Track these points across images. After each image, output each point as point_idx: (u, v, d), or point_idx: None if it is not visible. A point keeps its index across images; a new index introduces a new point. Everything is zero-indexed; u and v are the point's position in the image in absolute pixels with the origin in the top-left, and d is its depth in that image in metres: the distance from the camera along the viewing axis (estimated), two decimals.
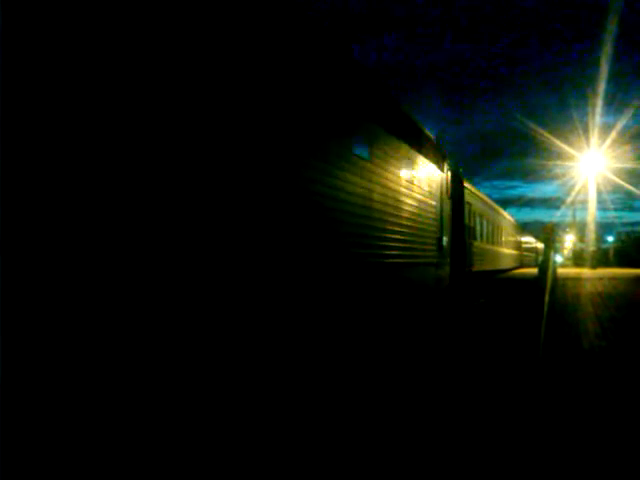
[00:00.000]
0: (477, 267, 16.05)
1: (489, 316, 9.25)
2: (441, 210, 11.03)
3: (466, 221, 14.22)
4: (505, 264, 25.72)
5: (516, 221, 30.98)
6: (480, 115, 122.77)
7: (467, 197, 14.63)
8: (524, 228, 39.39)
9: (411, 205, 8.98)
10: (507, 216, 27.31)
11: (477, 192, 17.22)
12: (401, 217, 8.37)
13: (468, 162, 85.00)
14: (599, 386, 4.29)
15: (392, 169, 7.90)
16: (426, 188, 10.22)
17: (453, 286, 12.02)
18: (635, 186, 38.85)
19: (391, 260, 7.79)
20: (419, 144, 9.64)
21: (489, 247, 20.01)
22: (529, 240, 40.55)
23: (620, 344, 6.11)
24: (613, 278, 20.63)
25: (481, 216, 17.75)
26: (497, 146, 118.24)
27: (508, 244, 27.21)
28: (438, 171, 11.27)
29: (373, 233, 7.10)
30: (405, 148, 8.71)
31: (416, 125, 9.71)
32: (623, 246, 40.23)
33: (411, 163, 9.04)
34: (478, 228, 16.88)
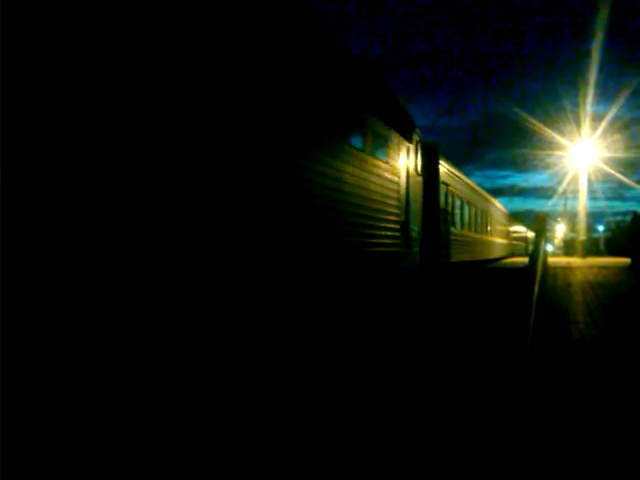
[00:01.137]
0: (457, 257, 14.11)
1: (474, 307, 8.77)
2: (407, 190, 9.10)
3: (442, 205, 12.29)
4: (493, 254, 24.37)
5: (507, 210, 30.92)
6: (471, 105, 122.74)
7: (444, 177, 12.68)
8: (515, 217, 39.46)
9: (351, 177, 6.64)
10: (496, 203, 26.10)
11: (458, 173, 15.11)
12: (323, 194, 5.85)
13: (460, 151, 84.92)
14: (589, 376, 4.23)
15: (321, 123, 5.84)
16: (383, 159, 7.99)
17: (423, 279, 10.21)
18: (626, 175, 39.07)
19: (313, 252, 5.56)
20: (368, 99, 7.42)
21: (473, 235, 18.13)
22: (520, 229, 40.62)
23: (610, 332, 6.12)
24: (603, 267, 20.82)
25: (463, 200, 15.78)
26: (489, 136, 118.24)
27: (497, 233, 25.91)
28: (403, 141, 9.09)
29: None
30: (343, 98, 6.50)
31: (364, 68, 7.27)
32: (613, 235, 40.47)
33: (352, 122, 6.85)
34: (458, 213, 14.96)
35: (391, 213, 8.37)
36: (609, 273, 16.93)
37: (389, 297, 7.83)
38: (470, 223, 17.56)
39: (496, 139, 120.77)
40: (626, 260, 22.04)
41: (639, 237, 19.08)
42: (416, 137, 10.20)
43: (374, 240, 7.59)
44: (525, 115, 40.23)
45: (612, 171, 38.11)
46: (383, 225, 7.95)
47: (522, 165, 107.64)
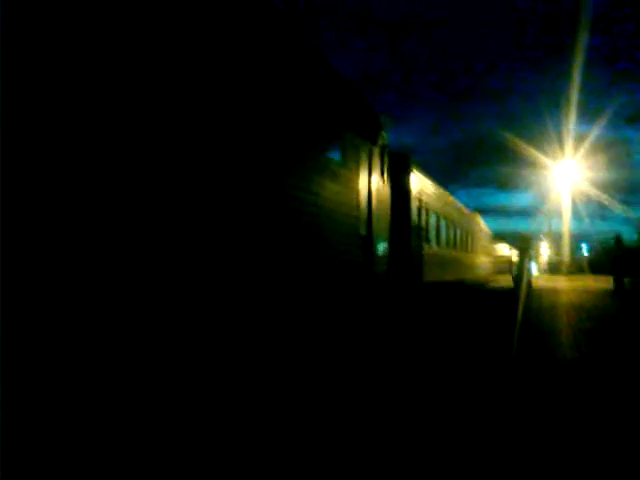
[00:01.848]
0: (432, 277, 12.69)
1: (450, 329, 8.01)
2: (369, 200, 7.72)
3: (415, 219, 10.94)
4: (475, 273, 23.19)
5: (491, 229, 30.82)
6: (456, 123, 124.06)
7: (417, 189, 11.35)
8: (500, 237, 39.57)
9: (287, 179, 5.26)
10: (479, 222, 25.28)
11: (435, 186, 13.83)
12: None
13: (445, 170, 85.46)
14: (570, 400, 4.16)
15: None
16: (332, 159, 6.50)
17: (387, 301, 8.72)
18: (609, 195, 39.50)
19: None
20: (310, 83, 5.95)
21: (452, 253, 16.72)
22: (504, 249, 40.75)
23: (592, 356, 6.10)
24: (586, 290, 20.88)
25: (440, 216, 14.46)
26: (473, 155, 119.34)
27: (479, 252, 24.80)
28: (362, 143, 7.62)
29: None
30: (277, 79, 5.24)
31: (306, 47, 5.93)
32: (597, 255, 40.80)
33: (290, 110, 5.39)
34: (434, 229, 13.65)
35: (348, 228, 6.90)
36: (592, 297, 16.87)
37: (339, 322, 6.45)
38: (449, 240, 16.16)
39: (480, 158, 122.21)
40: (608, 278, 22.20)
41: (621, 260, 19.16)
42: (381, 140, 8.67)
43: (319, 258, 5.99)
44: (510, 135, 40.64)
45: (596, 191, 38.59)
46: (331, 241, 6.32)
47: (506, 184, 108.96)
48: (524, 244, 26.82)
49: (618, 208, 45.84)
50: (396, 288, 9.28)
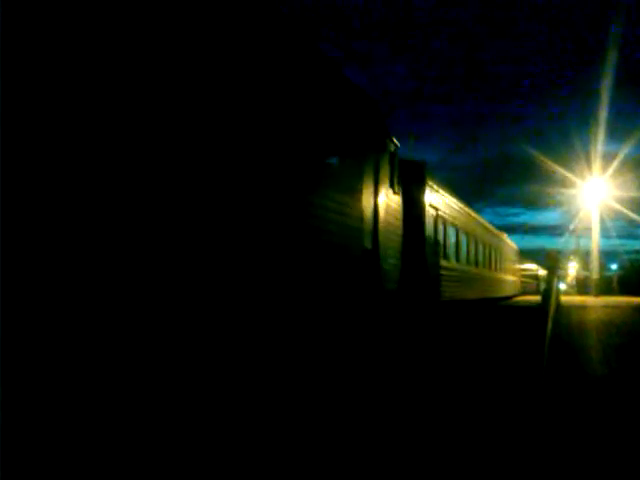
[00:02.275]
0: (452, 295, 11.98)
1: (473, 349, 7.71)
2: (375, 211, 6.98)
3: (430, 233, 10.20)
4: (501, 291, 22.57)
5: (517, 246, 30.48)
6: (482, 142, 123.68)
7: (433, 201, 10.69)
8: (527, 255, 39.10)
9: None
10: (505, 239, 24.80)
11: (455, 199, 13.13)
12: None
13: (470, 188, 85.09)
14: (599, 414, 4.09)
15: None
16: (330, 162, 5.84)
17: (398, 322, 7.94)
18: (638, 214, 38.85)
19: None
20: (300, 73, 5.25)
21: (474, 270, 15.97)
22: (531, 267, 40.21)
23: (622, 371, 6.00)
24: (616, 307, 20.43)
25: (461, 230, 13.77)
26: (499, 173, 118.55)
27: (506, 269, 24.25)
28: (367, 148, 6.93)
29: None
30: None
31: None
32: (626, 274, 39.94)
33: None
34: (453, 244, 12.90)
35: (341, 237, 5.95)
36: (622, 313, 16.61)
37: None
38: (471, 257, 15.43)
39: (507, 176, 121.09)
40: (638, 299, 21.77)
41: None
42: (391, 146, 8.04)
43: (301, 273, 5.13)
44: (536, 153, 40.32)
45: (624, 209, 37.96)
46: (321, 254, 5.46)
47: (533, 202, 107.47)
48: (552, 262, 26.44)
49: None
50: (409, 307, 8.55)
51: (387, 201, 7.63)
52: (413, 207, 9.31)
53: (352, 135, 6.51)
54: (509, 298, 25.15)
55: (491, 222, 23.23)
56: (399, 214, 8.32)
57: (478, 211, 19.63)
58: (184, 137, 3.60)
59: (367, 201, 6.81)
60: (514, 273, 27.92)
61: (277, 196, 4.74)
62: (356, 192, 6.52)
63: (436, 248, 10.76)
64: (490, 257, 19.64)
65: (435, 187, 11.03)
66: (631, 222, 40.95)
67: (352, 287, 6.31)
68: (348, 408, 4.11)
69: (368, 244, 6.79)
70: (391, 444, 3.24)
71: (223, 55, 4.12)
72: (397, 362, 6.40)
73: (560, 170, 36.23)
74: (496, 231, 21.86)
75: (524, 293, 32.38)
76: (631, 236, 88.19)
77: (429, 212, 10.28)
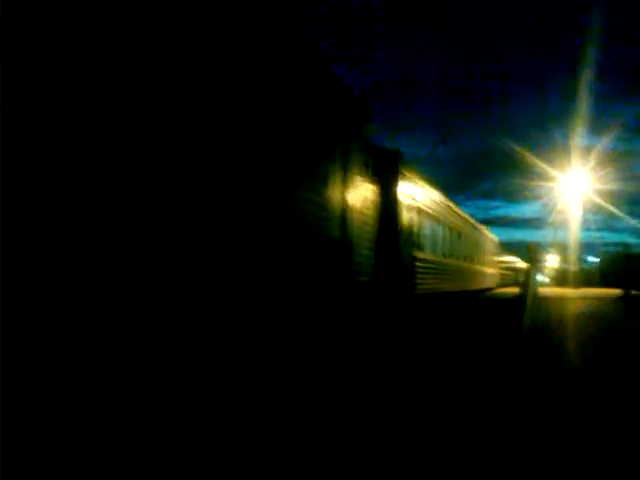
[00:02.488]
0: (429, 287, 11.66)
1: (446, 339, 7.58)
2: (344, 199, 6.58)
3: (406, 224, 9.84)
4: (481, 283, 22.36)
5: (498, 239, 30.53)
6: (464, 135, 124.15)
7: (409, 191, 10.32)
8: (507, 247, 39.25)
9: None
10: (485, 231, 24.64)
11: (433, 190, 12.80)
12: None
13: (452, 182, 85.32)
14: (575, 411, 4.01)
15: None
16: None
17: (370, 314, 7.65)
18: (617, 207, 39.22)
19: None
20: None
21: (453, 262, 15.65)
22: (511, 259, 40.41)
23: (599, 365, 5.94)
24: (595, 298, 20.56)
25: (439, 222, 13.51)
26: (481, 166, 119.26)
27: (485, 262, 24.04)
28: (340, 135, 6.56)
29: None
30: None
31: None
32: (605, 266, 40.33)
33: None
34: (431, 236, 12.58)
35: (303, 224, 5.51)
36: (600, 304, 16.72)
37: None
38: (450, 249, 15.16)
39: (488, 170, 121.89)
40: (617, 291, 21.95)
41: (629, 269, 19.08)
42: (365, 135, 7.72)
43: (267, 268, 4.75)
44: (517, 146, 40.52)
45: (603, 202, 38.31)
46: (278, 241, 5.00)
47: (514, 196, 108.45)
48: (531, 254, 26.64)
49: (626, 219, 45.50)
50: (382, 299, 8.25)
51: (360, 190, 7.29)
52: (388, 197, 8.97)
53: (322, 120, 6.14)
54: (489, 290, 25.17)
55: (472, 215, 23.11)
56: (373, 204, 7.97)
57: (459, 204, 19.41)
58: (163, 127, 3.56)
59: (338, 190, 6.46)
60: (494, 265, 27.83)
61: (238, 182, 4.40)
62: (326, 180, 6.16)
63: (411, 239, 10.38)
64: (469, 249, 19.27)
65: (411, 177, 10.62)
66: (610, 215, 41.38)
67: (321, 278, 5.99)
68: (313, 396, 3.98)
69: (339, 234, 6.44)
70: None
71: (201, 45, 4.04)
72: (367, 354, 6.21)
73: (540, 164, 36.41)
74: (476, 223, 21.57)
75: (504, 285, 32.50)
76: (610, 229, 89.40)
77: (404, 202, 9.90)
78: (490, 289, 25.61)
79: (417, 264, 10.63)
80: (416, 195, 10.98)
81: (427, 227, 12.15)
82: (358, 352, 6.29)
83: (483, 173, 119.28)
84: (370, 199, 7.81)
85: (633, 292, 19.91)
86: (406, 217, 9.94)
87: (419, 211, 11.27)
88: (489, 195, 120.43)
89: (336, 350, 5.96)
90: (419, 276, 10.71)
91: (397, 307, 8.85)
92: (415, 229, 10.75)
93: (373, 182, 8.05)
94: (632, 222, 50.72)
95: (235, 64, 4.41)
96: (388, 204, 8.91)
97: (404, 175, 9.92)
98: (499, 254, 31.22)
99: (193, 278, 3.89)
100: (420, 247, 11.17)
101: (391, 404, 4.05)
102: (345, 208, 6.64)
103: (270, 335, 4.78)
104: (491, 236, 26.61)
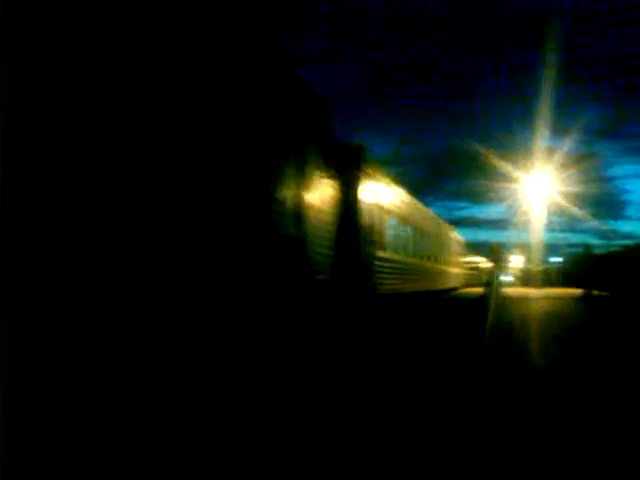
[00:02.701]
0: (391, 287, 11.23)
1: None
2: (299, 194, 6.20)
3: (366, 222, 9.33)
4: (445, 284, 22.19)
5: (463, 239, 30.63)
6: (429, 136, 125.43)
7: (372, 188, 9.86)
8: (473, 247, 39.62)
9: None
10: (451, 231, 24.70)
11: (397, 188, 12.37)
12: None
13: (419, 183, 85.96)
14: (536, 410, 4.01)
15: None
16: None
17: (327, 314, 7.14)
18: (579, 208, 40.02)
19: None
20: None
21: (417, 262, 15.26)
22: (477, 259, 40.82)
23: (561, 364, 5.97)
24: (558, 298, 20.85)
25: (402, 221, 13.02)
26: (446, 167, 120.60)
27: (451, 261, 24.06)
28: (297, 130, 6.22)
29: None
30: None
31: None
32: (567, 266, 41.16)
33: None
34: (393, 235, 12.09)
35: (261, 221, 5.18)
36: (563, 304, 16.94)
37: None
38: (414, 249, 14.80)
39: (453, 171, 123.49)
40: (579, 291, 22.39)
41: (591, 269, 19.42)
42: (325, 129, 7.40)
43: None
44: (482, 148, 40.94)
45: (566, 204, 39.07)
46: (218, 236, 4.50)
47: (479, 197, 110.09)
48: (495, 255, 26.90)
49: (588, 220, 46.56)
50: (340, 298, 7.79)
51: (319, 187, 6.93)
52: (349, 194, 8.62)
53: (277, 115, 5.77)
54: (454, 290, 25.19)
55: (439, 215, 23.08)
56: (333, 201, 7.62)
57: (427, 205, 19.27)
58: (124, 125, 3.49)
59: (294, 186, 6.08)
60: (459, 265, 27.94)
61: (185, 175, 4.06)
62: (280, 175, 5.76)
63: (373, 238, 9.96)
64: (434, 249, 19.08)
65: (374, 174, 10.22)
66: (573, 216, 42.22)
67: (274, 275, 5.55)
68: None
69: (294, 231, 6.04)
70: None
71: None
72: (320, 354, 5.89)
73: (505, 165, 36.83)
74: (442, 223, 21.53)
75: (469, 285, 32.70)
76: (573, 230, 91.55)
77: (366, 200, 9.50)
78: (455, 289, 25.63)
79: (378, 263, 10.22)
80: (379, 193, 10.63)
81: (390, 226, 11.75)
82: (311, 352, 5.94)
83: (449, 174, 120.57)
84: (330, 196, 7.48)
85: (594, 292, 20.20)
86: (368, 215, 9.56)
87: (382, 209, 10.90)
88: (456, 196, 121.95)
89: (287, 350, 5.52)
90: (380, 275, 10.30)
91: (355, 307, 8.42)
92: (377, 227, 10.37)
93: (333, 178, 7.70)
94: (594, 223, 51.92)
95: (198, 58, 4.22)
96: (349, 201, 8.60)
97: (367, 172, 9.56)
98: (464, 254, 31.42)
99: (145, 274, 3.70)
100: (382, 246, 10.77)
101: (338, 405, 3.90)
102: (301, 205, 6.24)
103: (218, 334, 4.34)
104: (456, 236, 26.69)
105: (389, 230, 11.58)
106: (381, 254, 10.56)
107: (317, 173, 6.89)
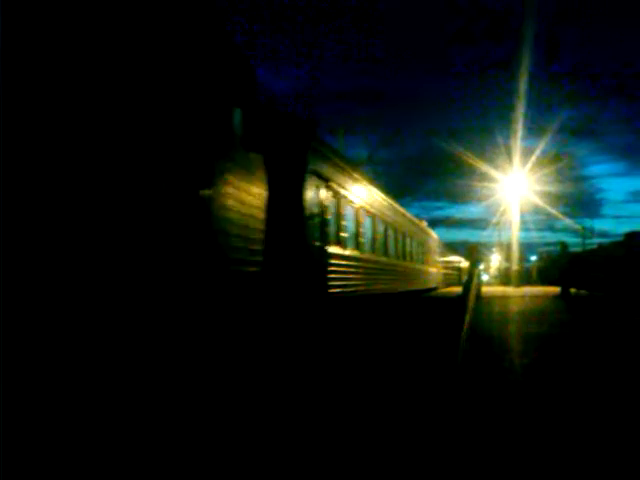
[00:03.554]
0: (351, 287, 9.59)
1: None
2: (212, 172, 5.12)
3: (314, 212, 7.81)
4: (420, 284, 20.95)
5: (439, 237, 30.22)
6: (408, 137, 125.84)
7: (325, 173, 8.29)
8: (451, 247, 39.42)
9: None
10: (429, 231, 23.98)
11: (360, 177, 10.72)
12: None
13: (398, 183, 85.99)
14: (517, 410, 3.85)
15: None
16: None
17: (254, 314, 5.76)
18: (555, 207, 40.25)
19: None
20: None
21: (387, 261, 13.74)
22: (455, 259, 40.67)
23: (541, 362, 5.87)
24: (535, 296, 20.70)
25: (366, 215, 11.44)
26: (425, 168, 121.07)
27: (426, 261, 23.09)
28: (203, 98, 5.04)
29: None
30: None
31: None
32: (544, 265, 41.29)
33: None
34: (355, 230, 10.49)
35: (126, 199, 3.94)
36: (540, 302, 16.77)
37: None
38: (380, 245, 13.20)
39: (432, 172, 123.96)
40: (556, 289, 22.34)
41: (567, 267, 19.30)
42: (248, 97, 6.16)
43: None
44: (460, 148, 40.91)
45: (543, 203, 39.20)
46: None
47: (458, 197, 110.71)
48: (474, 254, 26.64)
49: (565, 219, 46.82)
50: (273, 295, 6.43)
51: (237, 164, 5.64)
52: (288, 177, 7.08)
53: (181, 78, 4.69)
54: (432, 290, 24.75)
55: (417, 216, 22.61)
56: (259, 182, 6.19)
57: (405, 206, 18.64)
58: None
59: (203, 161, 4.95)
60: (436, 265, 27.40)
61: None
62: (181, 147, 4.62)
63: (325, 231, 8.45)
64: (408, 247, 17.96)
65: (329, 156, 8.56)
66: (550, 215, 42.37)
67: (170, 262, 4.41)
68: None
69: (205, 215, 4.93)
70: None
71: None
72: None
73: (483, 165, 36.73)
74: (415, 219, 20.61)
75: (449, 285, 32.43)
76: (549, 229, 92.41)
77: (316, 186, 7.96)
78: (433, 289, 25.20)
79: (331, 261, 8.67)
80: (336, 180, 9.05)
81: (351, 220, 10.29)
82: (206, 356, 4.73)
83: (427, 175, 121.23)
84: (256, 176, 6.12)
85: (572, 290, 20.05)
86: (318, 203, 8.02)
87: (339, 198, 9.32)
88: (434, 196, 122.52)
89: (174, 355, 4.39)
90: (334, 275, 8.73)
91: (292, 307, 6.87)
92: (332, 219, 8.89)
93: (271, 158, 6.44)
94: (570, 222, 52.24)
95: None
96: (290, 185, 7.13)
97: (317, 151, 7.97)
98: (442, 253, 31.05)
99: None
100: (338, 242, 9.28)
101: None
102: (213, 184, 5.07)
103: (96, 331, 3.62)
104: (432, 234, 26.09)
105: (349, 224, 10.16)
106: (336, 250, 9.06)
107: (236, 149, 5.70)
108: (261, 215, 6.18)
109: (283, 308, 6.45)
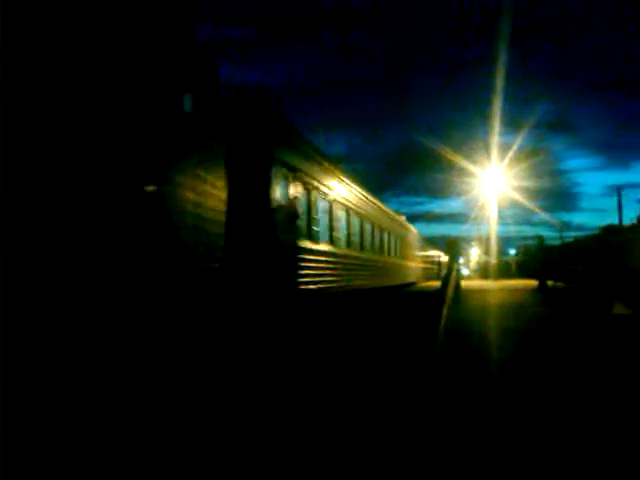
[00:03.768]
0: (323, 283, 9.17)
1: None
2: (161, 155, 4.69)
3: (283, 204, 7.44)
4: (399, 279, 20.67)
5: (419, 232, 30.14)
6: (386, 132, 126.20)
7: (294, 162, 7.87)
8: (431, 242, 39.47)
9: None
10: (408, 225, 23.76)
11: (335, 169, 10.35)
12: None
13: (377, 178, 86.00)
14: (497, 403, 3.81)
15: None
16: None
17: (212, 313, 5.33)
18: (532, 202, 40.61)
19: None
20: None
21: (362, 255, 13.36)
22: (434, 254, 40.77)
23: (519, 355, 5.83)
24: (514, 289, 20.81)
25: (341, 208, 11.07)
26: (404, 163, 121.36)
27: (405, 255, 22.79)
28: (138, 69, 4.49)
29: None
30: None
31: None
32: (522, 259, 41.64)
33: None
34: (327, 221, 10.04)
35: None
36: (518, 295, 16.87)
37: None
38: (361, 240, 13.03)
39: (411, 167, 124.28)
40: (533, 282, 22.57)
41: (544, 260, 19.48)
42: (212, 82, 5.83)
43: None
44: (439, 143, 41.00)
45: (521, 198, 39.50)
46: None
47: (437, 192, 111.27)
48: (453, 248, 26.66)
49: (542, 213, 47.26)
50: (236, 292, 5.93)
51: (191, 147, 5.22)
52: (255, 166, 6.61)
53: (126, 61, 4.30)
54: (411, 285, 24.64)
55: (397, 211, 22.44)
56: (223, 173, 5.81)
57: (385, 201, 18.39)
58: None
59: (153, 147, 4.55)
60: (415, 259, 27.21)
61: None
62: (129, 134, 4.23)
63: (294, 225, 8.03)
64: (385, 241, 17.59)
65: (299, 145, 8.11)
66: (527, 209, 42.72)
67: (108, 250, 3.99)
68: None
69: (155, 201, 4.53)
70: None
71: None
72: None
73: (462, 160, 36.85)
74: (394, 214, 20.43)
75: (428, 279, 32.43)
76: (527, 223, 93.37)
77: (284, 176, 7.52)
78: (412, 284, 25.09)
79: (303, 256, 8.28)
80: (307, 171, 8.58)
81: (323, 211, 9.84)
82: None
83: (406, 170, 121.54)
84: (222, 168, 5.77)
85: (549, 282, 20.21)
86: (282, 194, 7.52)
87: (311, 191, 8.88)
88: (413, 191, 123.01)
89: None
90: (305, 271, 8.34)
91: (258, 303, 6.37)
92: (303, 212, 8.50)
93: (235, 147, 6.09)
94: (548, 216, 52.83)
95: None
96: (256, 177, 6.66)
97: (286, 141, 7.51)
98: (422, 248, 31.00)
99: None
100: (310, 236, 8.85)
101: None
102: (163, 168, 4.69)
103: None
104: (411, 228, 25.91)
105: (323, 218, 9.77)
106: (307, 244, 8.64)
107: (189, 132, 5.25)
108: (224, 208, 5.80)
109: (247, 304, 6.03)
